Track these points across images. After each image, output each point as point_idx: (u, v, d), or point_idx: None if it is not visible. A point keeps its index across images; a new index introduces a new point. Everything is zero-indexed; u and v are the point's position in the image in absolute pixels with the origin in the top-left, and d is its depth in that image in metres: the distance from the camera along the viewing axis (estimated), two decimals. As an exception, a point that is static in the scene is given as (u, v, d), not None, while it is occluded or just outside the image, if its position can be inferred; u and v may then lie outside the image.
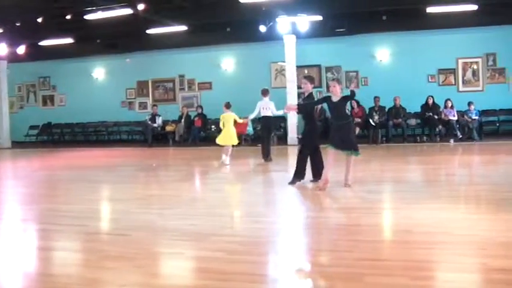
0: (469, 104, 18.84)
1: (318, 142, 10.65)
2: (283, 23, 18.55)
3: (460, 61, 20.71)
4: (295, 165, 10.58)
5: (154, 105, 23.59)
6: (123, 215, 8.58)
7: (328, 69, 22.10)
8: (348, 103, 10.71)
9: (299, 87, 16.99)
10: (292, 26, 18.82)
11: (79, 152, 20.87)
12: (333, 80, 10.96)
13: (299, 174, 10.45)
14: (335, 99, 9.84)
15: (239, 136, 20.85)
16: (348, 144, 9.79)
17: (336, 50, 21.85)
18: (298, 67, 19.90)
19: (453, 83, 20.83)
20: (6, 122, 24.73)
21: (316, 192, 9.56)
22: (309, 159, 10.53)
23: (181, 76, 24.30)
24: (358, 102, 19.94)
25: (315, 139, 10.63)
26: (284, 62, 19.96)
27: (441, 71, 20.89)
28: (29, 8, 16.38)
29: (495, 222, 6.92)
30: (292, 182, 10.36)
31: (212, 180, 13.29)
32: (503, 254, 5.46)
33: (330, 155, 9.78)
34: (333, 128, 10.03)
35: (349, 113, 12.25)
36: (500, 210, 7.56)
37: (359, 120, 19.73)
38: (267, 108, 14.74)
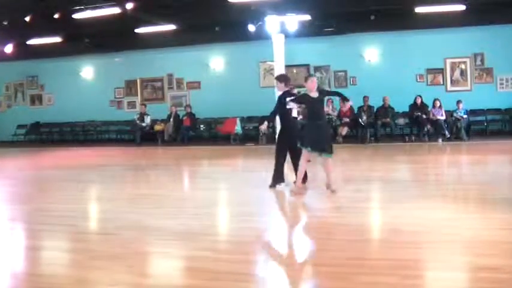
0: (458, 102, 18.93)
1: (293, 142, 10.03)
2: (272, 23, 18.52)
3: (448, 61, 20.78)
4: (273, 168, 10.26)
5: (142, 104, 23.53)
6: (112, 214, 8.56)
7: (317, 68, 22.11)
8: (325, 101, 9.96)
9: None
10: (281, 25, 18.80)
11: (67, 152, 20.79)
12: (311, 75, 10.39)
13: (277, 178, 10.16)
14: (313, 95, 9.43)
15: (227, 136, 21.00)
16: (320, 145, 9.35)
17: (324, 49, 21.85)
18: (287, 66, 19.88)
19: (441, 82, 20.90)
20: (-6, 121, 24.65)
21: (304, 193, 9.53)
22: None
23: (170, 75, 24.26)
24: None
25: (289, 139, 10.11)
26: (273, 61, 19.95)
27: (429, 70, 20.95)
28: (16, 6, 16.28)
29: (482, 221, 6.97)
30: (272, 186, 10.13)
31: (201, 179, 13.31)
32: (489, 253, 5.51)
33: (304, 157, 9.48)
34: (307, 127, 9.58)
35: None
36: (487, 209, 7.61)
37: (347, 120, 19.78)
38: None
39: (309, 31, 19.77)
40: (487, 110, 20.03)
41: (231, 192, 10.79)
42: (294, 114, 10.62)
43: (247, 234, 7.00)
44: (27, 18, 17.22)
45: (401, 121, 20.00)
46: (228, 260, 5.79)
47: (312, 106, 9.52)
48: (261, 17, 18.20)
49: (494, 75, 20.30)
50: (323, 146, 9.35)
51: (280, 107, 10.20)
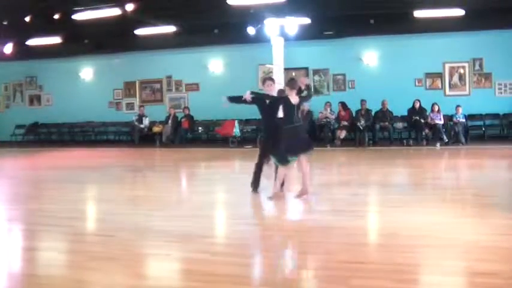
0: (457, 107, 18.97)
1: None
2: (272, 25, 18.53)
3: (447, 65, 20.80)
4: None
5: (141, 105, 23.54)
6: (109, 215, 8.57)
7: (316, 71, 22.13)
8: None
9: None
10: (281, 28, 18.80)
11: (66, 152, 20.77)
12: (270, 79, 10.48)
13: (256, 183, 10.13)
14: (294, 100, 9.34)
15: (226, 138, 21.01)
16: (307, 145, 9.42)
17: (323, 52, 21.88)
18: (286, 69, 19.91)
19: (440, 87, 20.92)
20: (-8, 121, 24.67)
21: (302, 196, 9.51)
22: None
23: (169, 77, 24.26)
24: (345, 105, 20.03)
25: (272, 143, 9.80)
26: (272, 64, 19.96)
27: (428, 75, 20.97)
28: (16, 7, 16.28)
29: (479, 226, 6.98)
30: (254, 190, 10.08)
31: (199, 181, 13.31)
32: (486, 258, 5.52)
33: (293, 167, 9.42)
34: (289, 133, 9.27)
35: None
36: (484, 214, 7.62)
37: (346, 123, 19.80)
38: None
39: (308, 34, 19.77)
40: (485, 114, 20.04)
41: (229, 194, 10.79)
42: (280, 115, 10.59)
43: (245, 236, 7.01)
44: (27, 19, 17.21)
45: (399, 125, 20.01)
46: (226, 262, 5.79)
47: (292, 110, 9.48)
48: (261, 20, 18.21)
49: (493, 80, 20.32)
50: (308, 146, 9.40)
51: (273, 110, 10.14)
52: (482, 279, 4.91)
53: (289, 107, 9.31)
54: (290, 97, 9.32)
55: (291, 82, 9.73)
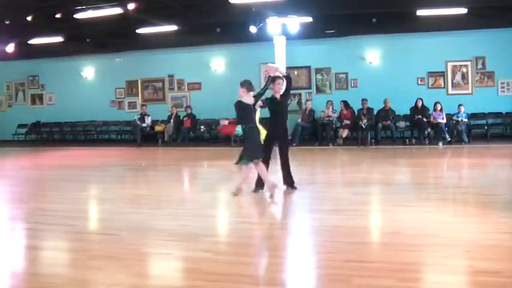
0: (460, 106, 18.92)
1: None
2: (273, 24, 18.53)
3: (450, 64, 20.77)
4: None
5: (143, 105, 23.54)
6: (111, 214, 8.57)
7: (318, 70, 22.12)
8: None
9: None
10: (282, 27, 18.81)
11: (68, 152, 20.77)
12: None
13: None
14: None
15: (228, 137, 20.99)
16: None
17: (325, 51, 21.86)
18: (288, 68, 19.87)
19: (442, 85, 20.89)
20: (-5, 120, 24.70)
21: (304, 194, 9.51)
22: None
23: (171, 76, 24.26)
24: (347, 104, 20.01)
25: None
26: (274, 63, 19.93)
27: (431, 73, 20.94)
28: (18, 6, 16.29)
29: (481, 225, 6.97)
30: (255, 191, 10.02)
31: (201, 180, 13.30)
32: (488, 257, 5.51)
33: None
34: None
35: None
36: (486, 213, 7.61)
37: (348, 122, 19.78)
38: None
39: (310, 33, 19.78)
40: (488, 113, 20.00)
41: (231, 193, 10.77)
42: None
43: (247, 235, 7.01)
44: (29, 18, 17.23)
45: (402, 124, 19.98)
46: (228, 261, 5.79)
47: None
48: (263, 19, 18.20)
49: (496, 79, 20.29)
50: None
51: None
52: (484, 278, 4.90)
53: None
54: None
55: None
